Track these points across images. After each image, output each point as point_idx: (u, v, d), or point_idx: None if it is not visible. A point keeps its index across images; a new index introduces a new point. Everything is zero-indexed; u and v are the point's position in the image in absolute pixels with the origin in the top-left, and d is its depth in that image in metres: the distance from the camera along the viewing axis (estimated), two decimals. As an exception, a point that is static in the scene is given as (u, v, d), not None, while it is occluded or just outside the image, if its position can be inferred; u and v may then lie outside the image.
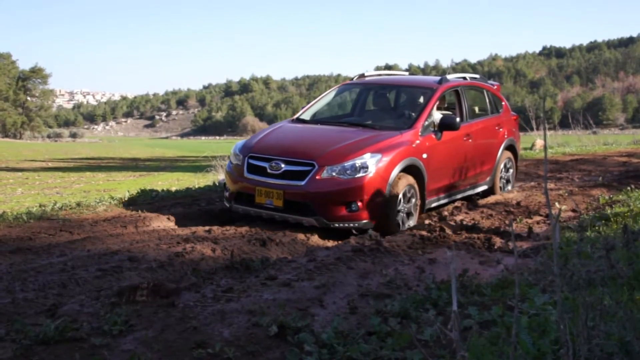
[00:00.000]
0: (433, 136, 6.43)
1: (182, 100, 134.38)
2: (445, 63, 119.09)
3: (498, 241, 5.38)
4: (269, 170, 5.79)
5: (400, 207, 5.90)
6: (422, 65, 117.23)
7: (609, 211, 5.96)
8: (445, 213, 6.55)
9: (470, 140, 7.04)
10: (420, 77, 7.69)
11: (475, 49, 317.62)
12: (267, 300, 3.37)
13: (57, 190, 11.50)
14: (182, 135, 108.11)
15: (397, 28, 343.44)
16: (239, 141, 6.66)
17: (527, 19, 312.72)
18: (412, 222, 6.05)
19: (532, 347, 2.22)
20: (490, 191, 7.67)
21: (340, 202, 5.59)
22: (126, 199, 6.83)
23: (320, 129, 6.65)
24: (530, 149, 17.74)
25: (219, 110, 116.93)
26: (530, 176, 10.43)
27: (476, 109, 7.61)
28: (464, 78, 7.59)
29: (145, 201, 6.72)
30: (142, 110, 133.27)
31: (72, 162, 22.49)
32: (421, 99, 6.87)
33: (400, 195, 5.86)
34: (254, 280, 3.86)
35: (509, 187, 8.11)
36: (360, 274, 4.03)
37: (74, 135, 70.21)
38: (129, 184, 11.71)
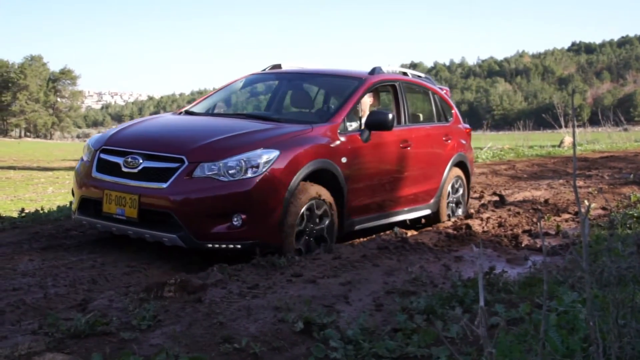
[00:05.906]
0: (358, 136, 4.95)
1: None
2: (471, 60, 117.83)
3: (525, 239, 5.32)
4: (123, 168, 4.27)
5: (304, 227, 4.41)
6: (447, 63, 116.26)
7: (640, 209, 5.85)
8: (472, 211, 6.50)
9: (409, 149, 5.54)
10: (349, 69, 6.54)
11: (502, 45, 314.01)
12: (293, 296, 3.38)
13: (86, 189, 11.71)
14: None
15: (422, 25, 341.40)
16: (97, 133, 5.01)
17: (555, 14, 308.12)
18: (323, 249, 4.49)
19: (561, 345, 2.19)
20: (434, 217, 6.07)
21: (217, 213, 4.09)
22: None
23: (203, 120, 5.20)
24: (559, 146, 17.50)
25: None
26: (558, 174, 10.29)
27: (420, 115, 6.25)
28: (405, 74, 6.22)
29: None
30: (169, 110, 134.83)
31: (100, 161, 22.87)
32: (346, 92, 5.34)
33: (305, 210, 4.36)
34: (279, 277, 3.88)
35: (460, 212, 6.43)
36: (385, 271, 4.02)
37: (102, 135, 71.34)
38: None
